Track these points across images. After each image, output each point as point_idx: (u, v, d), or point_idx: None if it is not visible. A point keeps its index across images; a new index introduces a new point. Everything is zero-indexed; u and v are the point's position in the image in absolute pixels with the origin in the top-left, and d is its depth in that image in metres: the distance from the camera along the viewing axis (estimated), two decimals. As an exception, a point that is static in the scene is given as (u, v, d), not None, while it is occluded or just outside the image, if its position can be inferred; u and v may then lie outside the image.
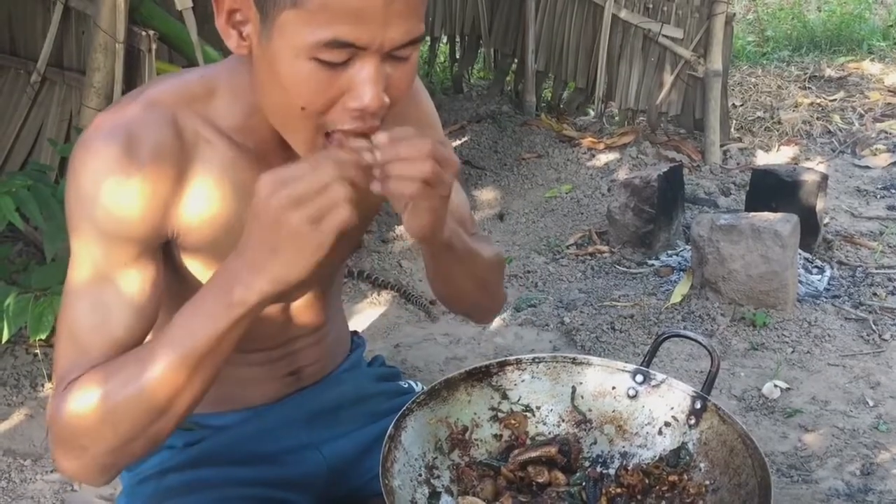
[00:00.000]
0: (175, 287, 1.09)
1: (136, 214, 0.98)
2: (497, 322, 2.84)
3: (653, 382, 1.30)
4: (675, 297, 2.80)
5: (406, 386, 1.49)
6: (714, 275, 2.75)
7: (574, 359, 1.33)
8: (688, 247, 3.14)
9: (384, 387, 1.44)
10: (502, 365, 1.32)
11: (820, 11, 6.79)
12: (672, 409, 1.28)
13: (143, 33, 2.52)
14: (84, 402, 0.94)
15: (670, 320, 2.72)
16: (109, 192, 0.97)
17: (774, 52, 6.12)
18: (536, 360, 1.33)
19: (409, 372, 2.49)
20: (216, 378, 0.96)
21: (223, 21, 0.93)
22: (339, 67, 0.88)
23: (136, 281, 0.99)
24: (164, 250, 1.05)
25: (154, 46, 2.53)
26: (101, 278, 0.98)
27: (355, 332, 1.52)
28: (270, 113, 0.97)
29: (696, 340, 1.36)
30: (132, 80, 2.59)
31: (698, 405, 1.26)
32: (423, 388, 1.46)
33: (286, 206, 0.84)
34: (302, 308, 1.26)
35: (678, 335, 1.40)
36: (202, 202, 1.03)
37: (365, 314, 2.89)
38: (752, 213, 2.79)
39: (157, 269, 1.02)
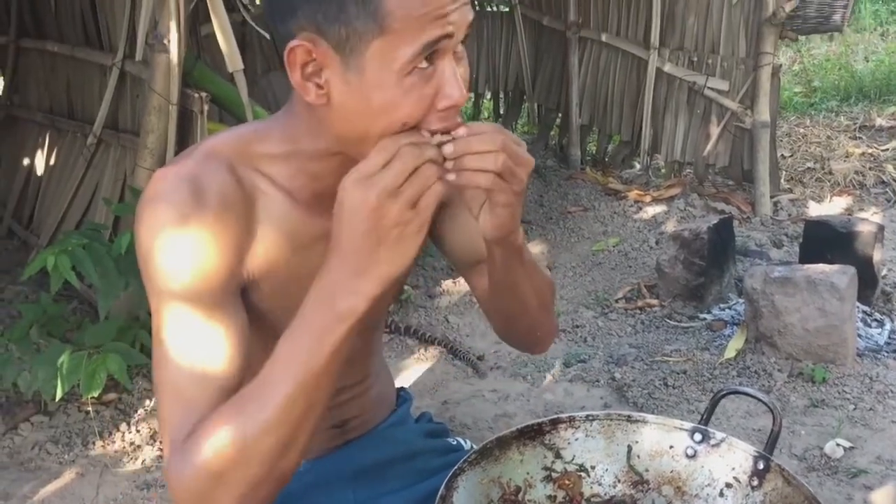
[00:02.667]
0: (251, 334, 1.09)
1: (213, 262, 0.99)
2: (546, 378, 2.80)
3: (712, 441, 1.25)
4: (730, 352, 2.73)
5: (455, 443, 1.46)
6: (769, 329, 2.68)
7: (629, 416, 1.29)
8: (740, 300, 3.07)
9: (433, 443, 1.41)
10: (555, 423, 1.28)
11: (867, 61, 6.73)
12: (733, 469, 1.23)
13: (196, 95, 2.58)
14: (211, 449, 0.92)
15: (725, 376, 2.64)
16: (183, 244, 0.98)
17: (822, 103, 6.06)
18: (590, 418, 1.29)
19: (457, 429, 2.45)
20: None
21: (299, 77, 0.93)
22: (427, 72, 0.91)
23: (225, 327, 0.99)
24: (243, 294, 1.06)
25: (206, 108, 2.59)
26: (192, 331, 0.98)
27: (402, 388, 1.51)
28: (365, 144, 0.95)
29: (756, 398, 1.31)
30: (185, 140, 2.65)
31: (761, 465, 1.21)
32: (472, 446, 1.44)
33: (383, 199, 0.86)
34: (349, 359, 1.25)
35: (737, 392, 1.34)
36: (268, 250, 1.04)
37: (412, 370, 2.87)
38: (807, 266, 2.73)
39: (241, 312, 1.02)
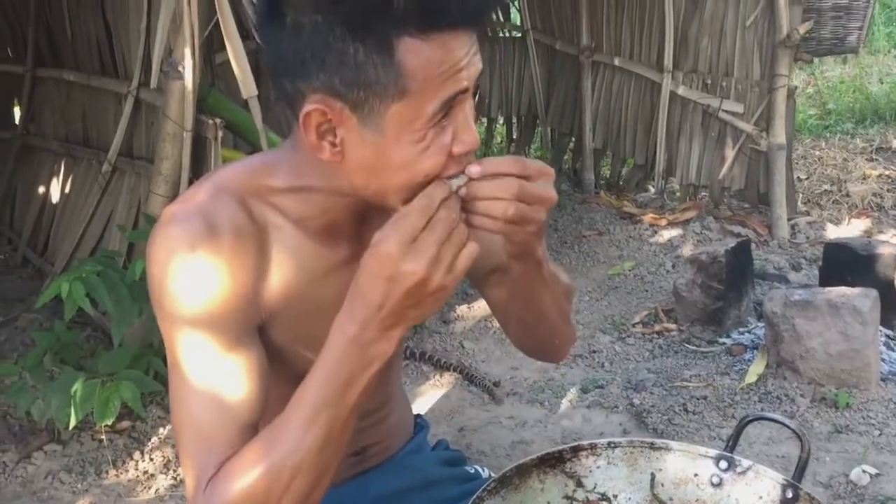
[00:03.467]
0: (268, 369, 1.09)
1: (229, 295, 0.98)
2: (564, 404, 2.76)
3: (738, 469, 1.22)
4: (751, 377, 2.68)
5: (472, 471, 1.44)
6: (791, 353, 2.63)
7: (652, 444, 1.26)
8: (760, 324, 3.03)
9: (450, 472, 1.40)
10: (576, 450, 1.25)
11: (882, 83, 6.70)
12: (760, 498, 1.19)
13: (210, 122, 2.58)
14: (241, 491, 0.92)
15: (746, 402, 2.60)
16: (198, 279, 0.97)
17: (837, 125, 6.03)
18: (612, 445, 1.26)
19: (474, 457, 2.41)
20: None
21: (314, 137, 0.93)
22: (443, 121, 0.92)
23: (244, 362, 0.99)
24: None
25: (220, 134, 2.59)
26: (210, 367, 0.97)
27: (419, 415, 1.49)
28: (380, 196, 0.96)
29: (783, 424, 1.27)
30: (199, 167, 2.65)
31: (790, 494, 1.17)
32: (490, 475, 1.42)
33: (427, 268, 0.87)
34: None
35: (763, 418, 1.31)
36: (283, 283, 1.04)
37: (427, 396, 2.83)
38: (828, 289, 2.68)
39: (260, 348, 1.02)
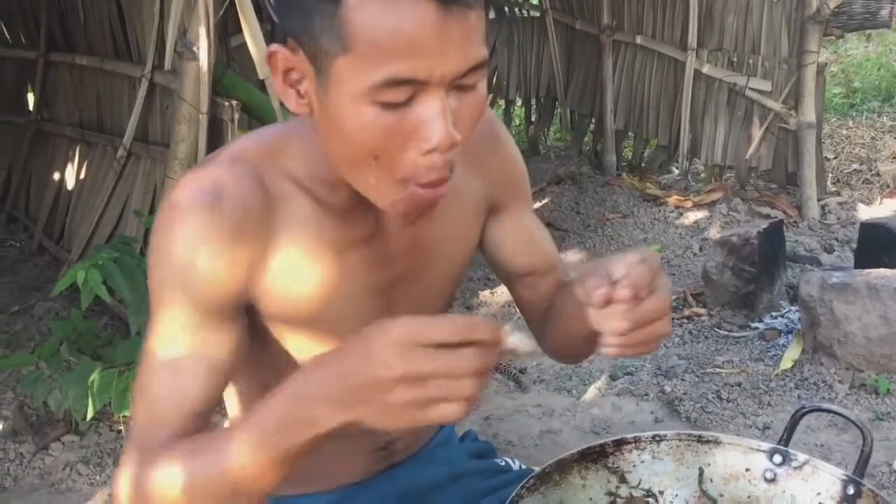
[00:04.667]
0: (255, 349, 1.04)
1: (222, 276, 0.94)
2: (592, 392, 2.68)
3: (794, 464, 1.14)
4: (786, 363, 2.60)
5: (503, 464, 1.38)
6: (828, 338, 2.54)
7: (700, 437, 1.18)
8: (793, 308, 2.94)
9: (480, 464, 1.34)
10: (619, 444, 1.18)
11: (909, 61, 6.56)
12: (819, 494, 1.12)
13: (226, 103, 2.51)
14: (159, 484, 0.90)
15: (782, 389, 2.51)
16: (195, 255, 0.92)
17: (863, 104, 5.91)
18: (657, 439, 1.19)
19: (501, 447, 2.34)
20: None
21: (280, 82, 0.88)
22: (403, 108, 0.82)
23: (216, 347, 0.95)
24: (246, 312, 1.00)
25: (236, 116, 2.52)
26: (181, 344, 0.94)
27: None
28: (342, 167, 0.91)
29: (843, 416, 1.19)
30: (215, 150, 2.57)
31: (851, 490, 1.10)
32: (521, 466, 1.35)
33: (409, 379, 0.75)
34: None
35: (820, 409, 1.23)
36: (287, 260, 0.98)
37: (451, 385, 2.76)
38: (866, 270, 2.59)
39: (240, 333, 0.97)
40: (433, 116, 0.81)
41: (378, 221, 1.02)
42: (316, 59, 0.83)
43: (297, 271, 0.99)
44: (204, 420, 0.96)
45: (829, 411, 1.22)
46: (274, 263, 0.97)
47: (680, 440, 1.18)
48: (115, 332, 2.97)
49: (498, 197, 1.14)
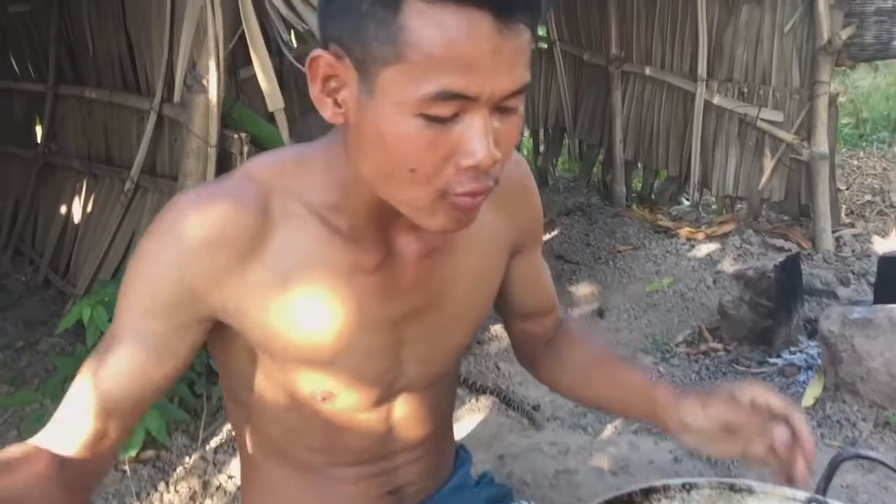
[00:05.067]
0: (265, 363, 1.02)
1: (186, 280, 0.91)
2: (608, 430, 2.62)
3: (835, 515, 1.08)
4: (807, 401, 2.53)
5: (521, 509, 1.32)
6: (850, 374, 2.48)
7: (732, 485, 1.12)
8: (812, 343, 2.88)
9: (496, 510, 1.29)
10: (647, 493, 1.12)
11: (917, 91, 6.55)
12: (862, 548, 1.05)
13: (235, 136, 2.48)
14: None
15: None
16: (166, 260, 0.91)
17: (873, 134, 5.89)
18: (687, 487, 1.13)
19: (516, 487, 2.28)
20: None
21: (318, 90, 0.86)
22: (448, 123, 0.80)
23: (140, 355, 0.93)
24: (220, 326, 0.97)
25: (245, 149, 2.49)
26: (114, 347, 0.93)
27: (461, 445, 1.37)
28: (377, 181, 0.88)
29: (887, 466, 1.13)
30: (224, 183, 2.54)
31: (897, 545, 1.03)
32: (540, 512, 1.29)
33: None
34: (405, 416, 1.13)
35: (860, 457, 1.17)
36: (280, 280, 0.95)
37: (464, 422, 2.70)
38: (888, 305, 2.53)
39: (183, 346, 0.95)
40: (477, 134, 0.80)
41: (390, 250, 0.99)
42: (363, 66, 0.81)
43: (295, 294, 0.95)
44: (108, 419, 0.93)
45: (869, 458, 1.17)
46: (261, 284, 0.93)
47: (711, 488, 1.12)
48: (121, 368, 2.91)
49: (519, 241, 1.13)
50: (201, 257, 0.91)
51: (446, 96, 0.78)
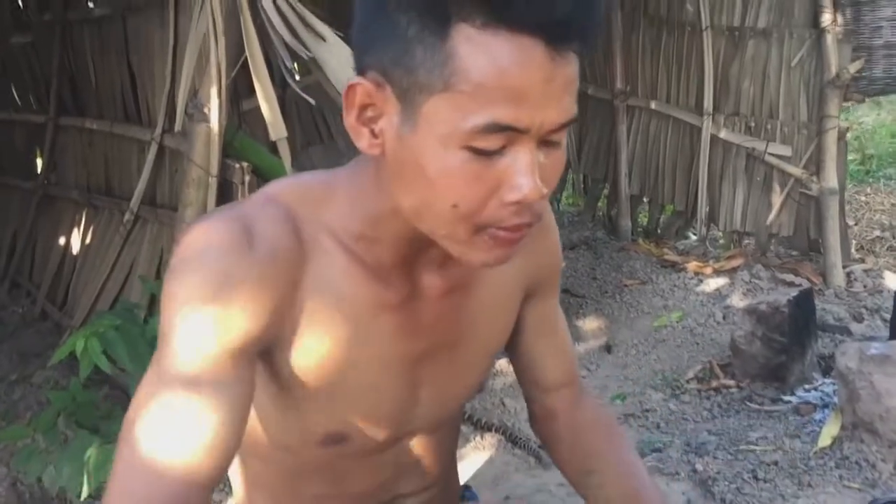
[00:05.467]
0: (269, 417, 0.97)
1: (244, 321, 0.82)
2: (618, 469, 2.53)
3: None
4: (824, 440, 2.45)
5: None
6: (869, 413, 2.39)
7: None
8: (827, 380, 2.80)
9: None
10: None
11: (922, 127, 6.55)
12: None
13: (237, 166, 2.43)
14: None
15: (822, 468, 2.36)
16: (218, 294, 0.81)
17: (879, 170, 5.86)
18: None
19: (523, 530, 2.19)
20: None
21: (353, 119, 0.81)
22: (494, 157, 0.77)
23: (219, 411, 0.80)
24: (263, 358, 0.90)
25: (247, 178, 2.44)
26: (185, 396, 0.80)
27: (467, 487, 1.33)
28: (416, 214, 0.83)
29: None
30: (225, 213, 2.49)
31: None
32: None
33: None
34: (414, 459, 1.09)
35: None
36: (313, 315, 0.89)
37: (469, 460, 2.62)
38: (907, 341, 2.46)
39: (251, 389, 0.85)
40: (524, 168, 0.77)
41: (415, 286, 0.94)
42: (406, 95, 0.77)
43: (323, 329, 0.89)
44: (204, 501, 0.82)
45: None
46: (299, 316, 0.88)
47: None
48: (117, 403, 2.83)
49: (535, 282, 1.08)
50: (263, 280, 0.83)
51: (495, 128, 0.75)
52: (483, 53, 0.73)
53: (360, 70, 0.81)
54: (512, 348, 1.13)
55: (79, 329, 2.63)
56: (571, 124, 0.80)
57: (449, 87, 0.74)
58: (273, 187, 0.92)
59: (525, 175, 0.77)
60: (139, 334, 2.19)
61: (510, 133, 0.76)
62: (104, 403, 2.83)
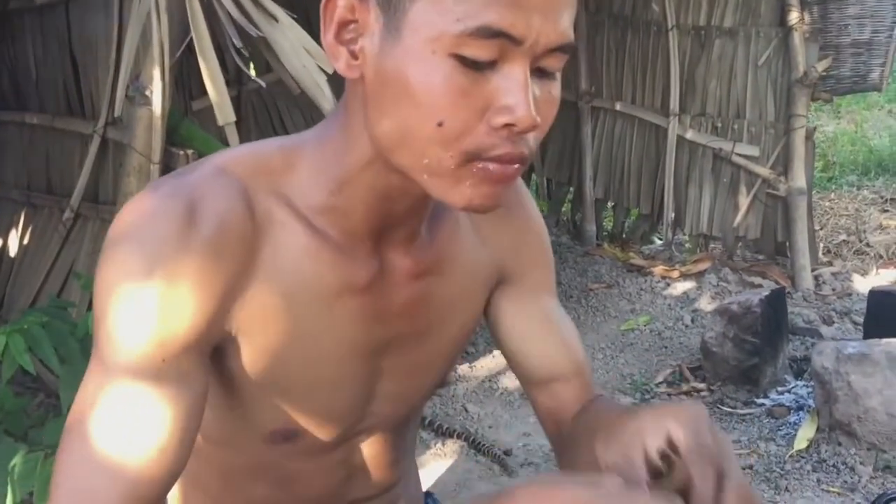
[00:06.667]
0: (220, 394, 0.85)
1: (190, 307, 0.74)
2: (587, 476, 2.41)
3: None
4: (800, 443, 2.35)
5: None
6: (846, 415, 2.30)
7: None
8: (800, 382, 2.72)
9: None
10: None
11: (881, 137, 6.63)
12: None
13: (181, 153, 2.28)
14: None
15: (799, 472, 2.26)
16: (156, 277, 0.72)
17: (842, 177, 5.88)
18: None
19: (487, 541, 2.05)
20: None
21: (331, 36, 0.73)
22: (484, 71, 0.68)
23: (178, 404, 0.74)
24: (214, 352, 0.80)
25: (193, 167, 2.29)
26: (130, 400, 0.72)
27: (429, 494, 1.22)
28: (396, 143, 0.72)
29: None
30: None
31: None
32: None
33: None
34: (368, 460, 0.98)
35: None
36: (268, 295, 0.79)
37: (430, 468, 2.47)
38: (884, 340, 2.38)
39: (204, 380, 0.77)
40: (516, 86, 0.68)
41: (383, 266, 0.83)
42: (390, 2, 0.69)
43: (279, 316, 0.79)
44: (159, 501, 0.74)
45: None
46: (252, 302, 0.78)
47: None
48: (50, 410, 2.65)
49: (505, 267, 0.95)
50: (209, 259, 0.74)
51: (488, 33, 0.66)
52: None
53: None
54: (497, 339, 1.01)
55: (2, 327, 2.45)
56: (568, 52, 0.71)
57: None
58: (224, 156, 0.81)
59: (517, 94, 0.68)
60: (69, 332, 2.01)
61: (503, 42, 0.67)
62: (36, 411, 2.64)
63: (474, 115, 0.69)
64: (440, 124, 0.69)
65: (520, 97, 0.68)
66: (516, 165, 0.71)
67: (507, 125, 0.68)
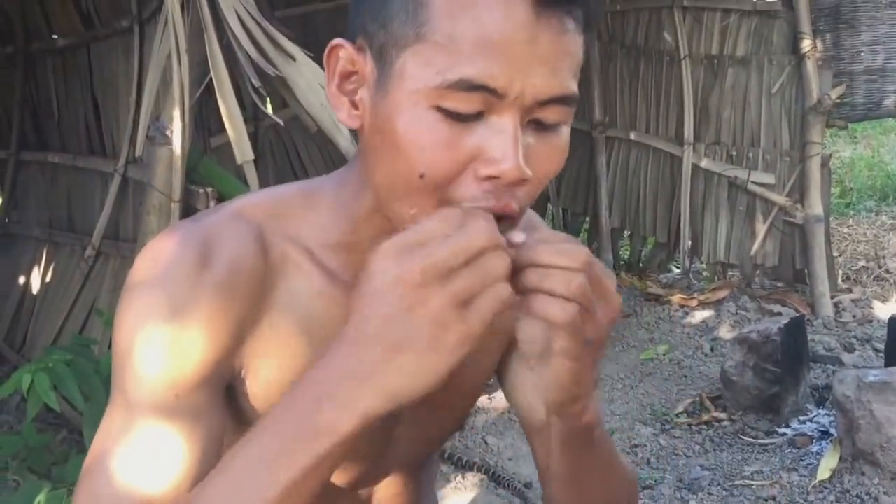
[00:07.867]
0: (236, 436, 0.82)
1: (200, 344, 0.75)
2: (608, 509, 2.38)
3: None
4: (823, 473, 2.32)
5: None
6: (869, 444, 2.28)
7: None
8: (822, 411, 2.69)
9: None
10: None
11: (898, 161, 6.58)
12: None
13: (201, 191, 2.31)
14: None
15: (822, 502, 2.23)
16: (173, 316, 0.74)
17: (859, 203, 5.84)
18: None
19: (509, 576, 2.04)
20: None
21: (335, 87, 0.75)
22: (469, 123, 0.68)
23: (190, 440, 0.75)
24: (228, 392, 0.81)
25: (212, 204, 2.32)
26: (143, 438, 0.74)
27: None
28: (386, 193, 0.73)
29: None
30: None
31: None
32: None
33: (424, 280, 0.62)
34: (388, 500, 0.97)
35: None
36: (280, 337, 0.79)
37: (450, 501, 2.46)
38: (906, 367, 2.35)
39: (219, 420, 0.78)
40: (501, 136, 0.67)
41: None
42: (382, 55, 0.71)
43: (291, 357, 0.80)
44: None
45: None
46: (264, 342, 0.79)
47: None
48: (73, 447, 2.66)
49: None
50: (223, 299, 0.75)
51: (467, 86, 0.66)
52: (458, 2, 0.66)
53: (350, 35, 0.75)
54: (516, 408, 0.99)
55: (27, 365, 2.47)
56: (569, 104, 0.70)
57: (421, 38, 0.67)
58: (243, 201, 0.83)
59: (503, 146, 0.67)
60: (92, 370, 2.03)
61: (486, 96, 0.66)
62: (59, 447, 2.66)
63: (457, 166, 0.68)
64: (422, 175, 0.69)
65: (506, 149, 0.67)
66: (504, 221, 0.69)
67: (492, 177, 0.68)
